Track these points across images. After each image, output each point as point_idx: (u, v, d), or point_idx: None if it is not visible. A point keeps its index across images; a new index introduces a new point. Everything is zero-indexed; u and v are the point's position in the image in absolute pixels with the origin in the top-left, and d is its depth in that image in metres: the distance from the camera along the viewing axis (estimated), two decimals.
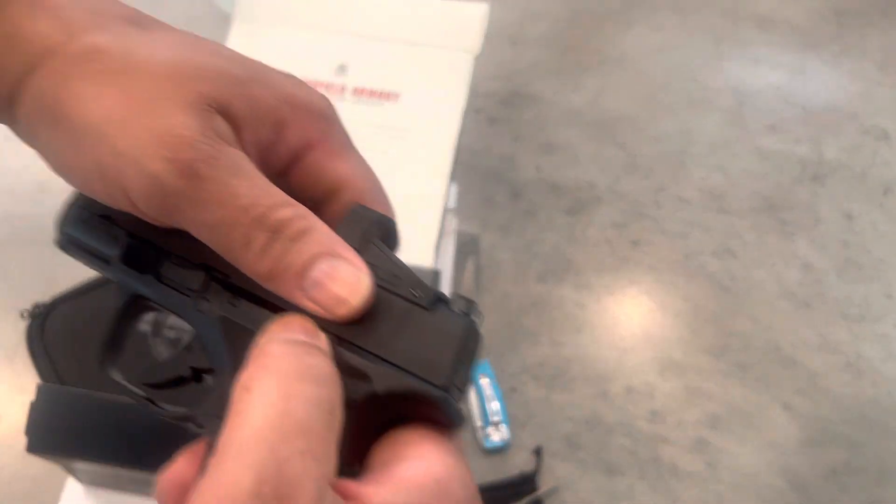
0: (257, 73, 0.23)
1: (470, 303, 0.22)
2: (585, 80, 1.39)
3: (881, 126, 1.34)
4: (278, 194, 0.21)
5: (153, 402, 0.24)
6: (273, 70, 0.23)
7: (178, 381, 0.25)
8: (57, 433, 0.62)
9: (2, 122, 0.22)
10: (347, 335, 0.21)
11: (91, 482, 0.73)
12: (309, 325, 0.21)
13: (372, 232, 0.22)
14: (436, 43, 0.87)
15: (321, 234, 0.21)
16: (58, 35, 0.21)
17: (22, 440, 0.62)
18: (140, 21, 0.22)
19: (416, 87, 0.86)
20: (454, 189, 0.95)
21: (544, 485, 0.95)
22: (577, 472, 0.96)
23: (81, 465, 0.66)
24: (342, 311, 0.20)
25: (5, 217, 1.18)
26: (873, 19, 1.52)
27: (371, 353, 0.21)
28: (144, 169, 0.20)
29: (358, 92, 0.86)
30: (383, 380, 0.21)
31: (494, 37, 1.45)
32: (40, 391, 0.62)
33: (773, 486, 0.96)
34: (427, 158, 0.83)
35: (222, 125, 0.21)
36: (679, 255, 1.17)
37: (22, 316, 0.68)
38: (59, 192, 1.05)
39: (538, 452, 0.97)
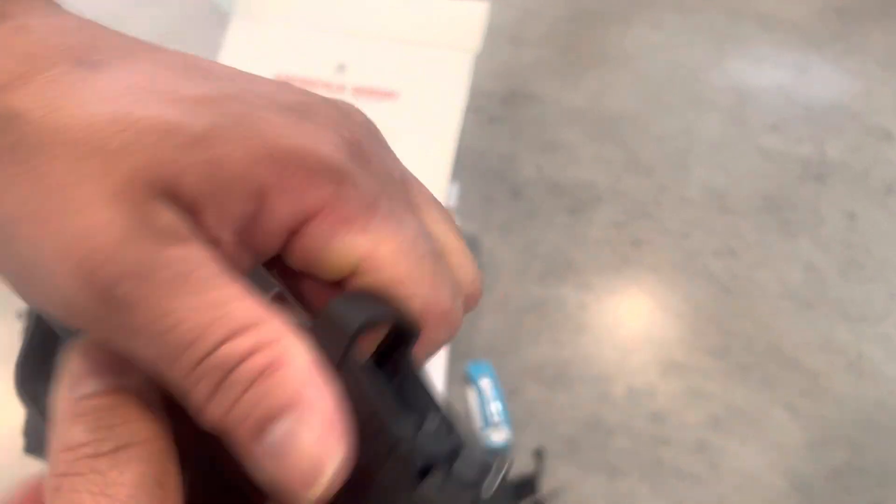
0: (230, 116, 0.16)
1: (485, 466, 0.15)
2: (586, 79, 1.39)
3: (884, 125, 1.34)
4: (238, 313, 0.15)
5: None
6: (262, 102, 0.16)
7: None
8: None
9: None
10: None
11: None
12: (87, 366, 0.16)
13: (352, 346, 0.15)
14: (436, 42, 0.87)
15: (292, 371, 0.14)
16: None
17: (19, 441, 0.61)
18: (93, 57, 0.17)
19: (415, 86, 0.85)
20: (454, 189, 0.95)
21: (545, 486, 0.95)
22: (579, 474, 0.96)
23: None
24: (303, 494, 0.14)
25: None
26: (876, 18, 1.52)
27: None
28: (56, 288, 0.15)
29: (357, 91, 0.86)
30: None
31: (494, 36, 1.44)
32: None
33: (775, 488, 0.95)
34: (427, 158, 0.82)
35: (166, 215, 0.15)
36: (681, 255, 1.16)
37: (18, 316, 0.67)
38: None
39: (539, 454, 0.97)
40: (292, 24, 0.89)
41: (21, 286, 0.16)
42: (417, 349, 0.17)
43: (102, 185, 0.14)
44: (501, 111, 1.33)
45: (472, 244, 1.16)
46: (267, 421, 0.14)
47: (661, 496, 0.94)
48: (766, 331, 1.09)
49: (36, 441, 0.61)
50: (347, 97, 0.86)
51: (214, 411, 0.15)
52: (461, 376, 1.02)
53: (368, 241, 0.16)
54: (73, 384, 0.16)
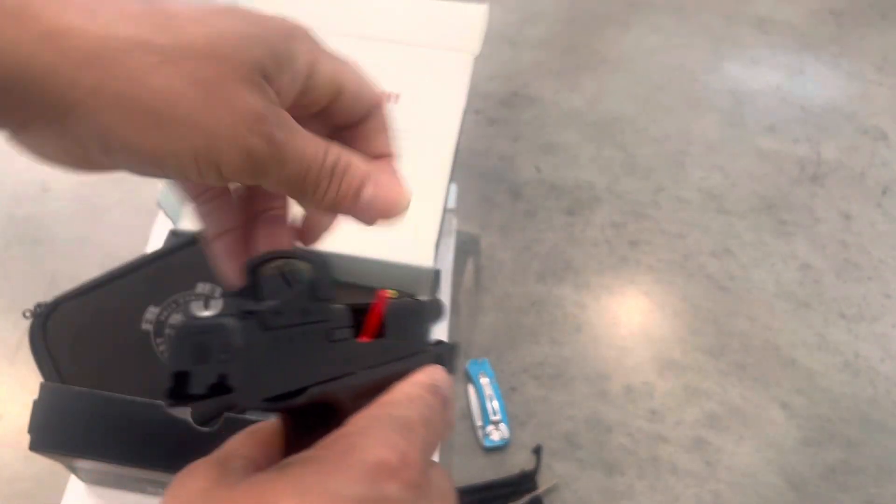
0: (263, 26, 0.25)
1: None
2: (584, 80, 1.40)
3: (879, 126, 1.35)
4: (322, 141, 0.26)
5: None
6: (255, 14, 0.26)
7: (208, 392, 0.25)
8: (59, 431, 0.62)
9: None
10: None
11: (93, 481, 0.73)
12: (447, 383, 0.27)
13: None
14: (436, 44, 0.88)
15: (358, 163, 0.26)
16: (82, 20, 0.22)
17: (24, 439, 0.62)
18: None
19: (416, 87, 0.86)
20: (454, 189, 0.96)
21: (544, 483, 0.95)
22: (577, 471, 0.96)
23: (83, 464, 0.67)
24: (395, 213, 0.27)
25: (8, 217, 1.19)
26: (871, 21, 1.52)
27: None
28: (240, 145, 0.23)
29: None
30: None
31: (494, 38, 1.45)
32: (43, 390, 0.63)
33: (771, 485, 0.96)
34: (427, 159, 0.83)
35: (271, 91, 0.24)
36: (678, 255, 1.17)
37: (24, 315, 0.68)
38: (62, 192, 1.08)
39: (538, 451, 0.97)
40: None
41: (192, 162, 0.23)
42: (378, 125, 0.28)
43: (238, 76, 0.22)
44: (501, 113, 1.34)
45: (472, 244, 1.17)
46: (360, 186, 0.26)
47: (658, 493, 0.95)
48: (763, 330, 1.10)
49: (40, 439, 0.62)
50: None
51: (330, 196, 0.26)
52: (461, 374, 1.02)
53: (337, 67, 0.27)
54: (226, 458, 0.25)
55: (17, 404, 1.01)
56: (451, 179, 0.83)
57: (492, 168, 1.26)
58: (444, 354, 0.30)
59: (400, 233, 0.80)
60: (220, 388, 0.22)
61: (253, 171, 0.24)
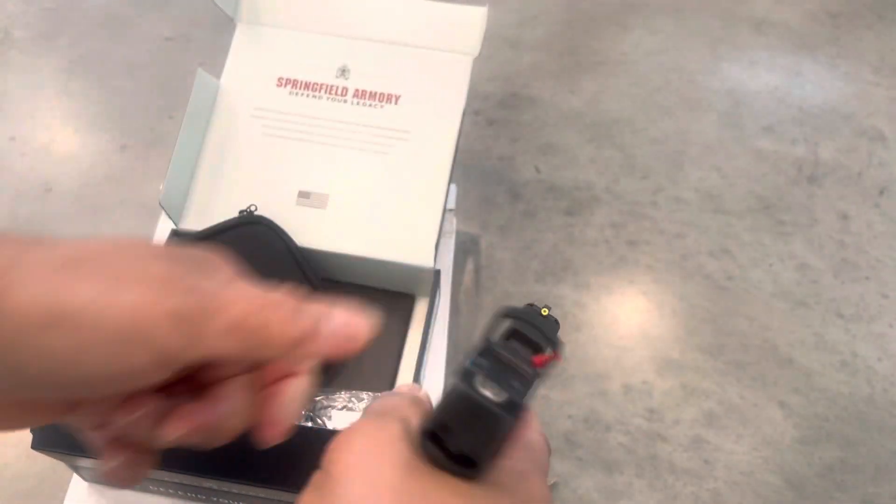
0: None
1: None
2: (583, 82, 1.40)
3: (877, 127, 1.35)
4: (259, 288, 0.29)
5: None
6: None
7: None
8: (62, 430, 0.63)
9: None
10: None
11: (95, 480, 0.73)
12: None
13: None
14: (435, 45, 0.88)
15: (312, 309, 0.27)
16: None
17: (27, 438, 0.62)
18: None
19: (416, 89, 0.87)
20: (454, 190, 0.96)
21: None
22: (576, 470, 0.97)
23: (86, 463, 0.67)
24: (355, 345, 0.27)
25: (10, 217, 1.19)
26: (869, 22, 1.53)
27: None
28: (165, 308, 0.22)
29: (359, 94, 0.87)
30: None
31: (493, 39, 1.46)
32: None
33: (769, 484, 0.96)
34: (427, 160, 0.83)
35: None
36: (676, 255, 1.18)
37: None
38: (65, 193, 1.09)
39: None
40: (296, 28, 0.90)
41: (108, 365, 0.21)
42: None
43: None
44: (500, 114, 1.35)
45: (472, 244, 1.17)
46: (317, 316, 0.26)
47: (656, 491, 0.95)
48: (761, 329, 1.10)
49: (42, 437, 0.63)
50: (349, 100, 0.87)
51: (290, 329, 0.25)
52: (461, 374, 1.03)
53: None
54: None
55: None
56: (451, 180, 0.84)
57: (491, 168, 1.27)
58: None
59: (400, 233, 0.81)
60: (466, 461, 0.24)
61: (188, 333, 0.21)
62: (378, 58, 0.88)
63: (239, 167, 0.85)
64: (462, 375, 0.24)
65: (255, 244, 0.78)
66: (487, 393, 0.24)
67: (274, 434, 0.29)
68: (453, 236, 0.98)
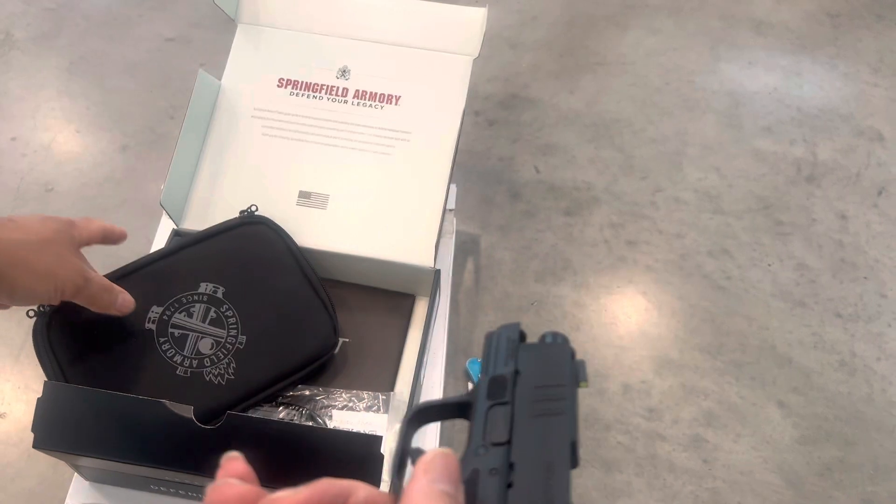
0: (60, 228, 0.68)
1: None
2: (583, 82, 1.41)
3: (875, 127, 1.36)
4: (105, 280, 0.66)
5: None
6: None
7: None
8: (63, 429, 0.63)
9: None
10: None
11: (96, 479, 0.74)
12: (452, 468, 0.25)
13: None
14: (436, 46, 0.88)
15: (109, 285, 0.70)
16: None
17: (28, 437, 0.63)
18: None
19: (416, 89, 0.87)
20: (454, 190, 0.97)
21: None
22: (575, 469, 0.97)
23: (86, 462, 0.67)
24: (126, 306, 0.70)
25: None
26: (867, 23, 1.54)
27: None
28: (73, 281, 0.62)
29: (359, 95, 0.87)
30: None
31: (493, 40, 1.46)
32: (46, 388, 0.63)
33: (768, 483, 0.97)
34: (427, 160, 0.84)
35: (84, 258, 0.64)
36: (675, 255, 1.18)
37: (28, 315, 0.69)
38: (65, 193, 1.10)
39: None
40: (297, 29, 0.90)
41: (54, 291, 0.61)
42: None
43: (72, 253, 0.65)
44: (500, 114, 1.35)
45: (472, 244, 1.18)
46: (115, 296, 0.71)
47: (655, 491, 0.96)
48: (760, 329, 1.11)
49: (43, 437, 0.63)
50: (350, 101, 0.87)
51: (105, 303, 0.68)
52: (461, 373, 1.03)
53: None
54: (432, 477, 0.25)
55: (21, 403, 1.01)
56: (451, 180, 0.84)
57: (491, 169, 1.27)
58: None
59: (400, 233, 0.81)
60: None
61: (75, 293, 0.61)
62: (378, 59, 0.88)
63: (239, 167, 0.85)
64: None
65: (255, 244, 0.78)
66: None
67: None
68: (453, 236, 0.99)
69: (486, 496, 0.25)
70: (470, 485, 0.25)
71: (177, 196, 0.84)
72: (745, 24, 1.52)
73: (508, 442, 0.28)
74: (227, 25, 0.92)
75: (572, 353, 0.31)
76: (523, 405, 0.29)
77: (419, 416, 0.30)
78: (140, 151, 1.29)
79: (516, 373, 0.30)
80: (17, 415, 1.01)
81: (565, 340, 0.31)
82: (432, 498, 0.24)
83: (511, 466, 0.26)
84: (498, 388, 0.30)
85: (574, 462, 0.27)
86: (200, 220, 0.83)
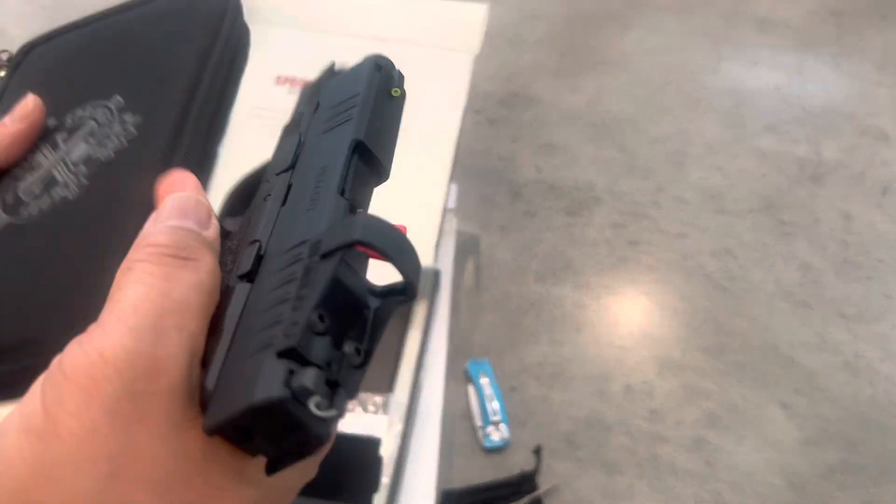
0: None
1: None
2: (584, 81, 1.40)
3: (879, 126, 1.35)
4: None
5: None
6: None
7: None
8: None
9: None
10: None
11: None
12: (203, 212, 0.22)
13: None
14: (436, 44, 0.88)
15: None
16: None
17: None
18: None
19: (416, 87, 0.86)
20: (454, 189, 0.96)
21: (544, 483, 0.95)
22: (577, 471, 0.97)
23: None
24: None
25: None
26: (871, 21, 1.53)
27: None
28: None
29: None
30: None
31: (494, 38, 1.45)
32: None
33: (771, 485, 0.96)
34: (427, 159, 0.83)
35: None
36: (677, 255, 1.17)
37: None
38: None
39: (538, 451, 0.98)
40: (297, 27, 0.90)
41: None
42: None
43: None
44: (501, 113, 1.34)
45: (472, 244, 1.17)
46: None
47: (657, 493, 0.95)
48: (762, 330, 1.10)
49: None
50: None
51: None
52: (461, 374, 1.03)
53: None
54: (202, 218, 0.22)
55: None
56: (451, 179, 0.83)
57: (492, 168, 1.27)
58: None
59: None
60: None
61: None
62: None
63: (237, 166, 0.85)
64: (293, 388, 0.17)
65: None
66: (319, 413, 0.16)
67: None
68: (453, 236, 0.98)
69: (259, 218, 0.23)
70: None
71: None
72: (747, 22, 1.51)
73: (292, 167, 0.25)
74: None
75: (381, 66, 0.26)
76: (316, 129, 0.26)
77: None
78: None
79: (317, 107, 0.26)
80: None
81: (383, 61, 0.25)
82: (164, 234, 0.20)
83: (290, 188, 0.23)
84: (292, 126, 0.27)
85: (370, 162, 0.23)
86: None
